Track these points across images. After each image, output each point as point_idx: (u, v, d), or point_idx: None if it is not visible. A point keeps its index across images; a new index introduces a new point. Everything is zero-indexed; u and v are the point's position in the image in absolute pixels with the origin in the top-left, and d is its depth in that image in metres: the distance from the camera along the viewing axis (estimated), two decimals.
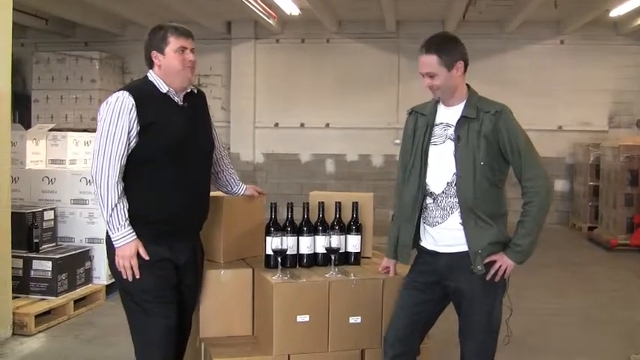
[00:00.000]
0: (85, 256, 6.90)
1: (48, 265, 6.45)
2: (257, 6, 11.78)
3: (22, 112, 13.61)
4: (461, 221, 3.43)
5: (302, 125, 14.17)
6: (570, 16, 12.52)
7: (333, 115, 14.04)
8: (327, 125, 14.12)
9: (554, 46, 13.64)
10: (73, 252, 6.78)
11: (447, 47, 3.48)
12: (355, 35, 13.99)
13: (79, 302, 6.75)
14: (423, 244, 3.62)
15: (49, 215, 6.92)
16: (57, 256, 6.52)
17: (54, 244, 6.95)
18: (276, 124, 14.24)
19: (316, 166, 14.24)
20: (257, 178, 14.10)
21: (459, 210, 3.44)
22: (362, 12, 12.85)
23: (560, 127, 13.36)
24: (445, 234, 3.49)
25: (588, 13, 11.89)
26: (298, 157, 14.28)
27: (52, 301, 6.40)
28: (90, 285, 6.96)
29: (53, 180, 7.23)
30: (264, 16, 12.50)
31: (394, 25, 13.45)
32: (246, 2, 11.14)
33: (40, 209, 6.84)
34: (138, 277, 3.52)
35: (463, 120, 3.47)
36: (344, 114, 13.97)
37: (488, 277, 3.41)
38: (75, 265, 6.75)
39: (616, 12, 11.75)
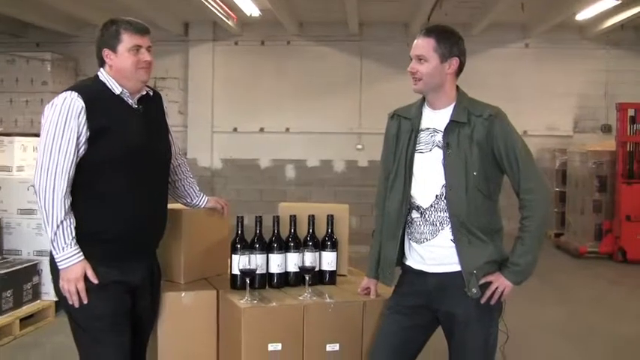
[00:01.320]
0: (32, 270, 6.42)
1: None
2: (216, 6, 11.39)
3: None
4: (452, 238, 3.07)
5: (261, 130, 13.76)
6: (536, 19, 12.34)
7: (294, 120, 13.66)
8: (288, 130, 13.72)
9: (520, 49, 13.46)
10: (20, 266, 6.30)
11: (448, 38, 3.14)
12: (317, 37, 13.62)
13: (25, 321, 6.27)
14: (408, 262, 3.25)
15: None
16: (1, 272, 6.04)
17: None
18: (235, 129, 13.80)
19: (276, 171, 13.85)
20: (215, 184, 13.69)
21: (449, 225, 3.08)
22: (324, 13, 12.51)
23: (525, 132, 13.05)
24: (435, 252, 3.13)
25: (555, 17, 11.74)
26: (258, 163, 13.87)
27: None
28: (38, 301, 6.47)
29: None
30: (223, 17, 12.10)
31: (357, 28, 13.12)
32: (205, 2, 10.74)
33: None
34: (85, 302, 3.11)
35: (452, 125, 3.12)
36: (305, 118, 13.59)
37: (483, 300, 3.06)
38: (21, 280, 6.27)
39: (582, 15, 11.62)
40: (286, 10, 11.94)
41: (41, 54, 13.02)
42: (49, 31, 13.23)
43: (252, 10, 11.85)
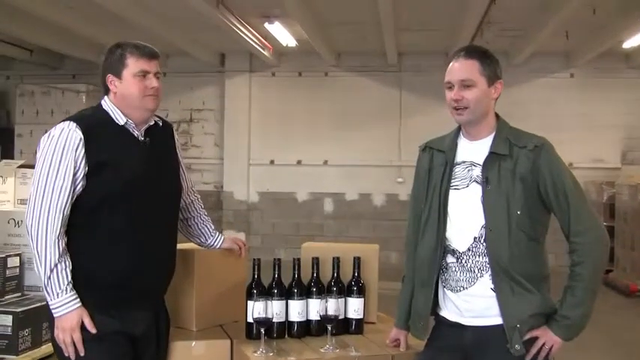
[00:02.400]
0: None
1: (8, 320, 5.69)
2: (252, 37, 11.22)
3: (6, 147, 12.99)
4: (493, 286, 2.71)
5: (299, 162, 13.51)
6: (581, 47, 11.96)
7: (332, 152, 13.40)
8: (326, 162, 13.46)
9: (564, 79, 13.05)
10: (39, 304, 6.00)
11: (490, 58, 2.83)
12: (355, 68, 13.38)
13: None
14: (443, 313, 2.90)
15: (13, 262, 6.16)
16: (19, 309, 5.77)
17: (19, 294, 6.19)
18: (272, 161, 13.57)
19: (314, 205, 13.54)
20: (251, 217, 13.43)
21: (489, 272, 2.72)
22: (362, 44, 12.27)
23: (570, 164, 12.65)
24: (472, 302, 2.77)
25: (601, 44, 11.31)
26: (295, 196, 13.58)
27: None
28: None
29: (20, 222, 6.48)
30: (259, 48, 11.93)
31: (396, 58, 12.86)
32: (239, 32, 10.56)
33: (4, 255, 6.10)
34: (82, 354, 2.81)
35: (492, 157, 2.77)
36: (343, 151, 13.32)
37: (528, 358, 2.69)
38: (40, 318, 5.97)
39: (630, 43, 11.18)
40: (323, 41, 11.72)
41: (76, 85, 13.05)
42: (84, 62, 13.20)
43: (288, 40, 11.68)
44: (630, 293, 10.01)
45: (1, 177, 6.84)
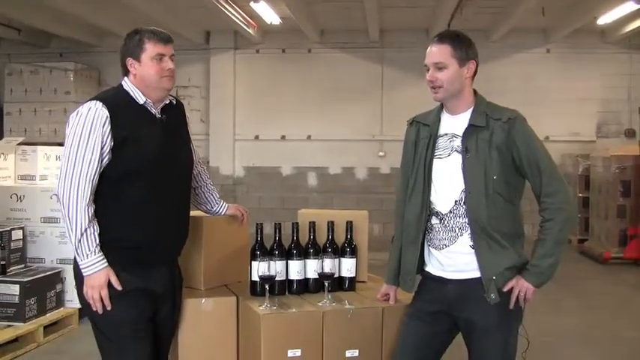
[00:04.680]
0: (56, 278, 6.46)
1: (15, 289, 6.01)
2: (237, 15, 11.45)
3: None
4: (472, 244, 3.07)
5: (283, 137, 13.82)
6: (557, 24, 12.29)
7: (315, 127, 13.72)
8: (309, 137, 13.78)
9: (541, 54, 13.41)
10: (43, 274, 6.33)
11: (462, 41, 3.16)
12: (338, 45, 13.67)
13: (49, 328, 6.31)
14: (428, 269, 3.25)
15: (17, 235, 6.48)
16: (25, 279, 6.08)
17: (23, 265, 6.51)
18: (257, 137, 13.88)
19: (298, 179, 13.87)
20: (237, 192, 13.75)
21: (468, 231, 3.07)
22: (345, 21, 12.54)
23: (547, 138, 12.97)
24: (453, 258, 3.12)
25: (576, 21, 11.68)
26: (279, 171, 13.91)
27: (20, 328, 5.96)
28: (61, 309, 6.50)
29: (22, 197, 6.79)
30: (243, 26, 12.17)
31: (378, 35, 13.15)
32: (225, 11, 10.80)
33: (8, 228, 6.40)
34: (109, 308, 3.14)
35: (471, 129, 3.11)
36: (326, 125, 13.65)
37: (512, 306, 3.05)
38: (45, 288, 6.31)
39: (604, 19, 11.54)
40: (307, 18, 11.97)
41: (64, 64, 13.16)
42: (72, 41, 13.37)
43: (272, 19, 11.91)
44: (604, 261, 10.43)
45: (2, 154, 7.12)
